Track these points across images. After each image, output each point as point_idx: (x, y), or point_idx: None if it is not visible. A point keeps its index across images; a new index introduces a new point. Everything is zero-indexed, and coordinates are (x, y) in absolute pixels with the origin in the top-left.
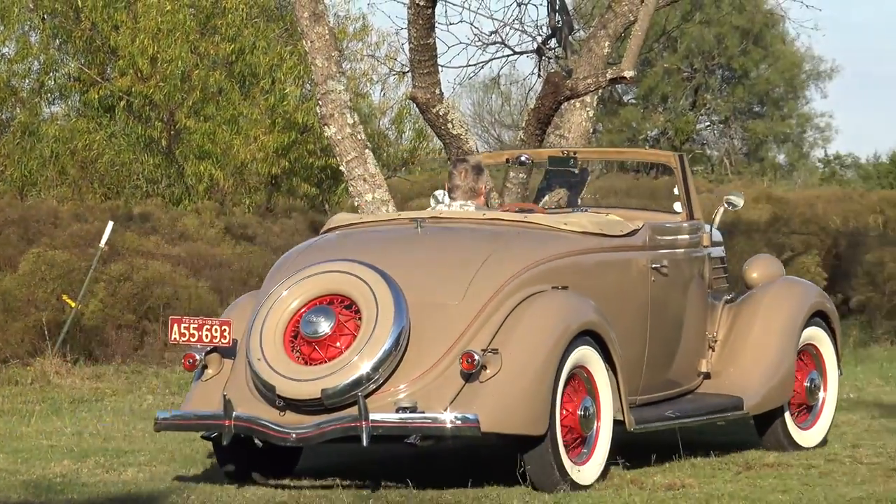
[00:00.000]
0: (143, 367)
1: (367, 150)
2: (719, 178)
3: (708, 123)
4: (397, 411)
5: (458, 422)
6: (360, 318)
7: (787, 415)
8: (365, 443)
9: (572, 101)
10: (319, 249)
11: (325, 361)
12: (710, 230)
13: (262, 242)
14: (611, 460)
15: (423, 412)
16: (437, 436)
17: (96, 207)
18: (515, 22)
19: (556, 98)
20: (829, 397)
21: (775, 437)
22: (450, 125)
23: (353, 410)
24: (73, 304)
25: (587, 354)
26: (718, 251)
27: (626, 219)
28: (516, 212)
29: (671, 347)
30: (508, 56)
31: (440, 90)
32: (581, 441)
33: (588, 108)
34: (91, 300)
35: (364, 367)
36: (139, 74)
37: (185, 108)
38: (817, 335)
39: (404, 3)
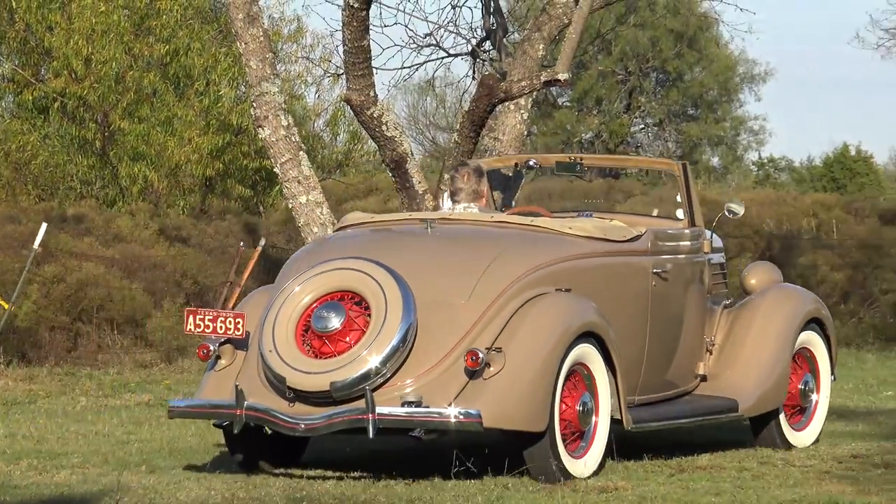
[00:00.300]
0: (77, 369)
1: (301, 152)
2: (653, 180)
3: (642, 126)
4: (403, 405)
5: (462, 417)
6: (369, 315)
7: (781, 416)
8: (371, 435)
9: (506, 104)
10: (332, 247)
11: (335, 355)
12: (711, 237)
13: (197, 244)
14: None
15: (427, 407)
16: (440, 430)
17: (30, 209)
18: (450, 24)
19: (491, 100)
20: (821, 400)
21: (770, 438)
22: (384, 127)
23: (361, 403)
24: (6, 306)
25: (587, 352)
26: (718, 257)
27: (630, 224)
28: (526, 215)
29: (670, 350)
30: (443, 58)
31: (374, 92)
32: (580, 435)
33: (522, 111)
34: (24, 302)
35: (372, 362)
36: (73, 75)
37: (119, 109)
38: (812, 340)
39: (339, 6)
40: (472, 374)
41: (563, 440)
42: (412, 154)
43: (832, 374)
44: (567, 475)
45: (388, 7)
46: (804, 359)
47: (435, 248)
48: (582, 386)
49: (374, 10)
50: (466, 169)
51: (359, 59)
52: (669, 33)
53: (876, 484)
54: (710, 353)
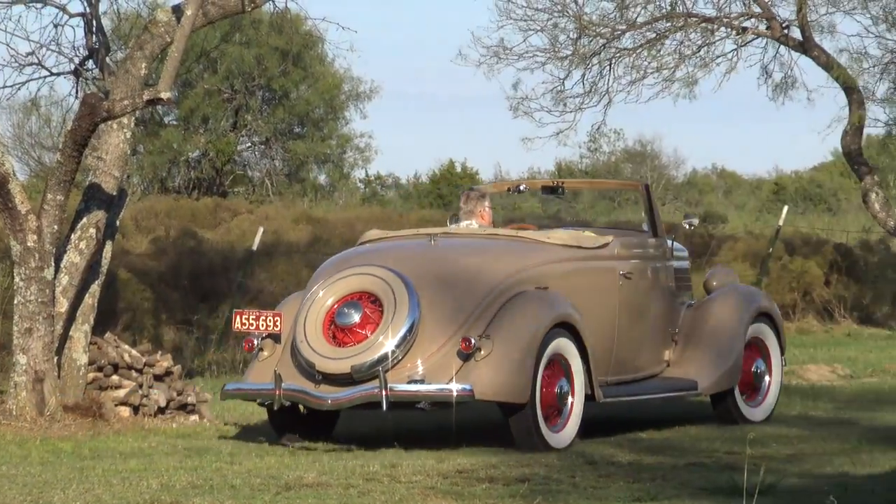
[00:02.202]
0: None
1: None
2: (259, 198)
3: (249, 144)
4: (410, 383)
5: (457, 391)
6: (382, 311)
7: (737, 395)
8: (384, 408)
9: (110, 123)
10: (352, 257)
11: (354, 344)
12: (672, 244)
13: None
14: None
15: (430, 384)
16: (441, 402)
17: None
18: (52, 43)
19: (93, 119)
20: (773, 381)
21: (727, 413)
22: None
23: (376, 382)
24: None
25: (563, 344)
26: (683, 263)
27: (601, 235)
28: (517, 229)
29: (637, 338)
30: (46, 77)
31: None
32: (558, 413)
33: (126, 130)
34: None
35: (385, 349)
36: None
37: None
38: (763, 330)
39: None
40: (466, 356)
41: (544, 417)
42: (14, 174)
43: (783, 359)
44: (547, 446)
45: None
46: (757, 347)
47: (437, 256)
48: (560, 373)
49: None
50: (468, 194)
51: None
52: (275, 51)
53: (480, 499)
54: (676, 343)
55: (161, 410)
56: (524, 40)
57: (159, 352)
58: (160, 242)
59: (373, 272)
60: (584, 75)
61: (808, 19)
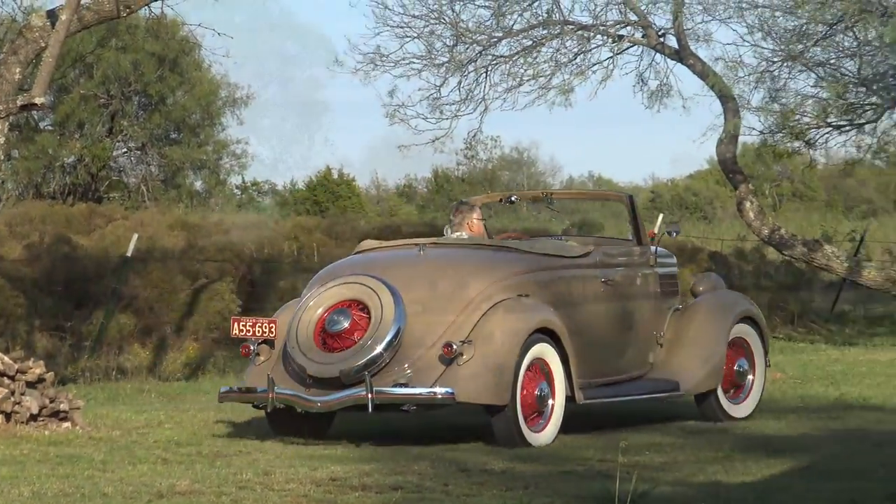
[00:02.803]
0: None
1: None
2: (135, 204)
3: (125, 150)
4: (395, 386)
5: (439, 394)
6: (370, 318)
7: (720, 394)
8: (370, 410)
9: None
10: (343, 267)
11: (343, 349)
12: (656, 252)
13: None
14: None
15: (414, 387)
16: (424, 405)
17: None
18: None
19: None
20: (756, 380)
21: (711, 412)
22: None
23: (363, 386)
24: None
25: (544, 349)
26: (669, 269)
27: (584, 244)
28: (507, 239)
29: (621, 341)
30: None
31: None
32: (539, 414)
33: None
34: None
35: (371, 354)
36: None
37: None
38: (747, 331)
39: None
40: (449, 361)
41: (525, 417)
42: None
43: (766, 360)
44: (527, 445)
45: None
46: (741, 347)
47: (424, 266)
48: (541, 376)
49: None
50: (459, 206)
51: None
52: (151, 56)
53: None
54: (661, 346)
55: (33, 417)
56: (401, 47)
57: (32, 358)
58: (34, 248)
59: (361, 281)
60: (460, 82)
61: (684, 27)
